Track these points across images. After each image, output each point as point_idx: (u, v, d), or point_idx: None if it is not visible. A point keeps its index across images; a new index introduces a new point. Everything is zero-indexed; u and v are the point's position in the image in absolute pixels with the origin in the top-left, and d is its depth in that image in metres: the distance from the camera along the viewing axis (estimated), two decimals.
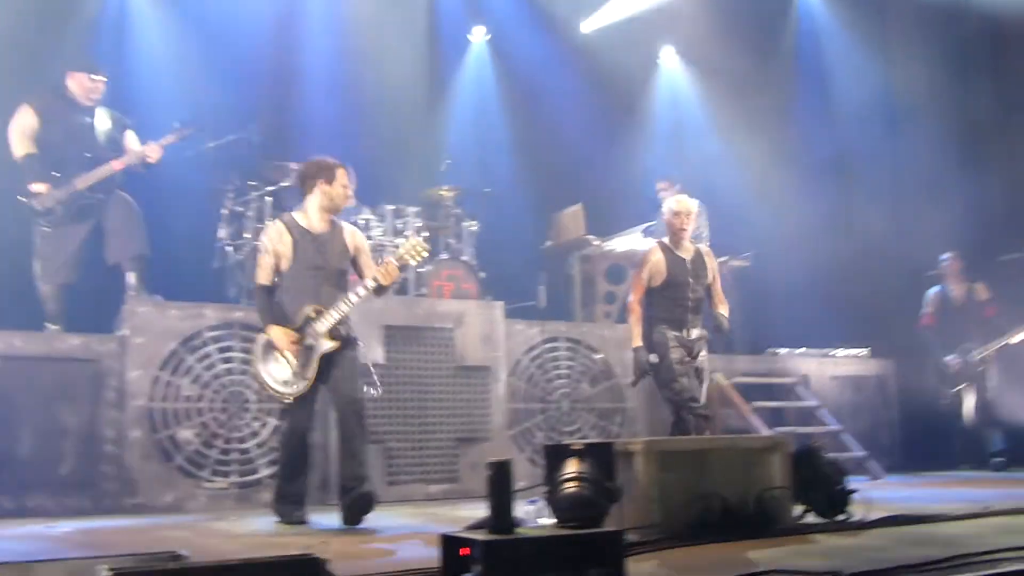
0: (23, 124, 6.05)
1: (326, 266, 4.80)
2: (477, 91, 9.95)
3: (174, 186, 7.28)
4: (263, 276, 4.82)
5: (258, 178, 7.20)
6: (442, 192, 7.73)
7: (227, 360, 5.91)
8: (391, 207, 7.31)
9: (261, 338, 4.78)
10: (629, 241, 8.05)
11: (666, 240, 5.95)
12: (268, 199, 7.00)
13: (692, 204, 5.93)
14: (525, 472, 6.53)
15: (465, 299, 6.99)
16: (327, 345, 4.68)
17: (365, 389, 5.03)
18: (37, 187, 5.94)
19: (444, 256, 7.44)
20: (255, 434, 5.89)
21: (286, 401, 4.73)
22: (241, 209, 7.09)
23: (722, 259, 8.74)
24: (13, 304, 6.19)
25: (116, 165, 6.17)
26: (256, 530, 4.52)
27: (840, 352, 8.36)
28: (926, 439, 8.14)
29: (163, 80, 7.87)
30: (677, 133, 10.39)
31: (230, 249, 7.07)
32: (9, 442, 5.31)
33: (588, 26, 10.11)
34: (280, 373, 4.70)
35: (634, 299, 5.87)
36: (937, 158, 8.86)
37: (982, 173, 8.55)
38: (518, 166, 9.44)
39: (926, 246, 8.40)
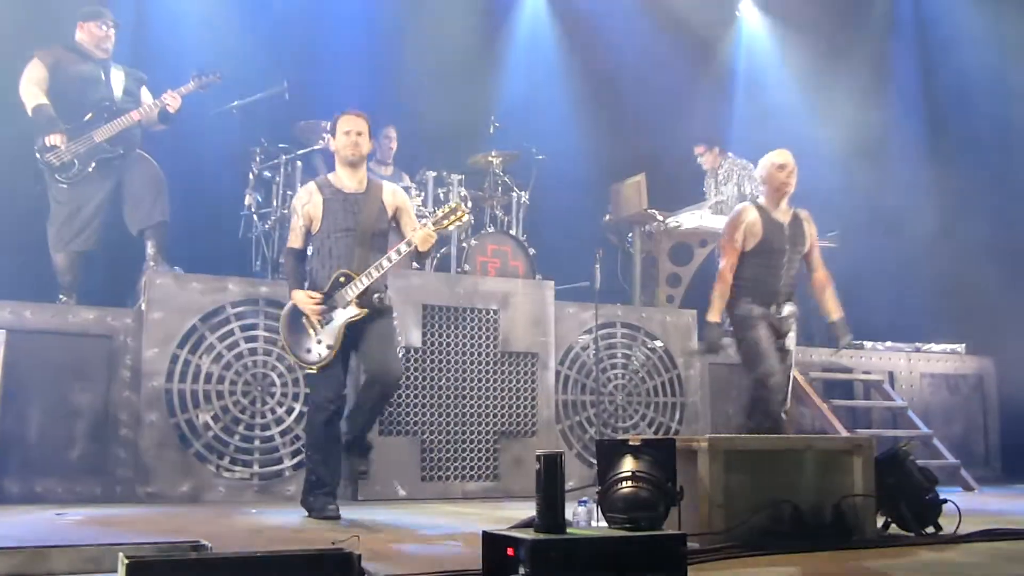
0: (33, 76, 6.21)
1: (358, 228, 4.90)
2: (531, 44, 9.98)
3: (196, 148, 7.44)
4: (293, 239, 5.01)
5: (288, 140, 7.30)
6: (489, 158, 7.75)
7: (251, 339, 6.03)
8: (432, 174, 7.36)
9: (288, 304, 4.94)
10: (696, 217, 8.01)
11: (761, 200, 5.76)
12: (299, 163, 7.09)
13: (791, 158, 5.67)
14: (575, 471, 6.60)
15: (512, 278, 7.03)
16: (353, 312, 4.80)
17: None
18: (52, 138, 6.08)
19: (490, 229, 7.47)
20: (280, 421, 6.01)
21: (309, 371, 4.87)
22: (269, 174, 7.20)
23: None
24: (25, 273, 6.39)
25: (135, 115, 6.32)
26: (282, 523, 4.63)
27: (933, 347, 8.26)
28: None
29: (184, 34, 8.03)
30: (756, 96, 10.29)
31: (256, 218, 7.19)
32: (17, 422, 5.48)
33: None
34: (304, 341, 4.85)
35: (725, 265, 5.64)
36: None
37: None
38: (574, 130, 9.45)
39: None
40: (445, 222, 4.91)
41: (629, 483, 3.56)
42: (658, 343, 7.16)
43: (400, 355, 5.37)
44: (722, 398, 7.39)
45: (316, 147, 7.23)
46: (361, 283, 4.80)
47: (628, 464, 3.63)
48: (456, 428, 6.40)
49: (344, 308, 4.81)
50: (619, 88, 9.75)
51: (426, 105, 8.69)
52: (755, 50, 10.64)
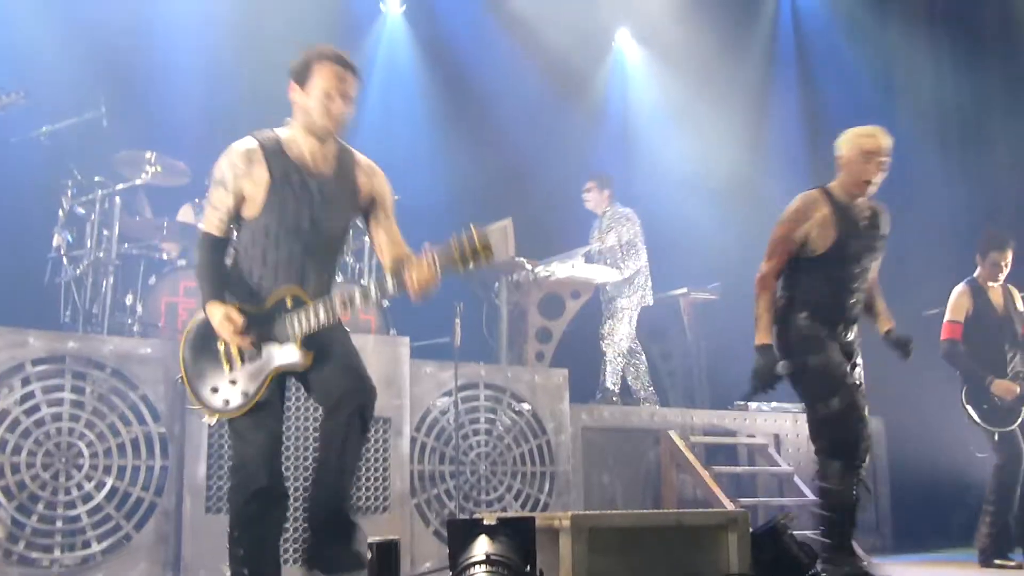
0: None
1: (314, 229, 3.90)
2: (387, 74, 10.01)
3: None
4: (212, 221, 3.91)
5: (106, 173, 7.12)
6: None
7: (55, 403, 5.79)
8: None
9: (198, 316, 3.96)
10: (568, 267, 8.14)
11: (834, 188, 4.99)
12: (118, 199, 6.91)
13: (886, 137, 4.96)
14: (432, 550, 6.54)
15: (363, 333, 6.97)
16: (294, 358, 3.82)
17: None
18: None
19: (339, 278, 7.39)
20: (88, 498, 5.76)
21: (208, 421, 3.94)
22: (83, 211, 7.01)
23: (680, 291, 8.99)
24: None
25: None
26: None
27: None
28: (924, 513, 8.35)
29: None
30: (631, 134, 10.59)
31: (66, 261, 6.97)
32: None
33: None
34: (211, 375, 3.86)
35: (769, 269, 4.92)
36: (932, 165, 9.21)
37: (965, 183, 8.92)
38: (435, 169, 9.50)
39: (929, 278, 8.67)
40: (463, 263, 3.73)
41: (483, 568, 3.55)
42: (526, 406, 7.20)
43: None
44: (597, 466, 7.46)
45: (138, 181, 7.07)
46: (316, 316, 3.79)
47: (482, 546, 3.62)
48: (298, 504, 6.26)
49: (282, 345, 3.83)
50: (485, 125, 9.89)
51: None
52: (632, 85, 10.98)
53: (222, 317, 3.76)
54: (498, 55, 10.11)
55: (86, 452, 5.80)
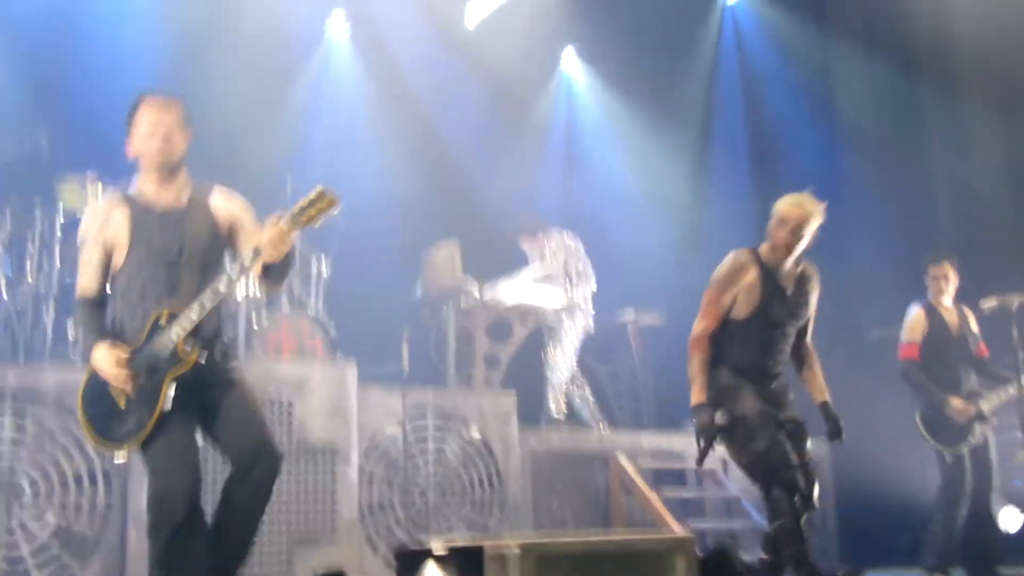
0: None
1: (182, 257, 4.03)
2: (331, 96, 10.05)
3: None
4: (87, 281, 4.08)
5: (47, 202, 7.06)
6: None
7: None
8: None
9: (86, 371, 4.03)
10: (517, 289, 8.19)
11: (764, 250, 5.13)
12: (60, 224, 6.86)
13: (813, 211, 5.05)
14: None
15: (309, 359, 6.98)
16: (177, 361, 3.87)
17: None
18: None
19: (284, 306, 7.42)
20: (31, 538, 5.70)
21: (117, 459, 4.04)
22: (22, 241, 6.93)
23: (627, 315, 9.10)
24: None
25: None
26: None
27: None
28: (870, 533, 8.48)
29: None
30: (576, 154, 10.72)
31: (5, 294, 6.90)
32: None
33: (473, 19, 10.33)
34: (114, 419, 3.91)
35: (701, 331, 5.05)
36: (885, 187, 9.40)
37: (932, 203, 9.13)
38: (382, 193, 9.53)
39: (872, 298, 8.85)
40: (304, 215, 3.83)
41: None
42: (475, 431, 7.24)
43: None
44: (548, 491, 7.52)
45: (80, 209, 7.03)
46: (188, 320, 3.87)
47: (430, 574, 3.67)
48: None
49: (168, 358, 3.88)
50: (431, 146, 9.96)
51: (211, 162, 8.57)
52: (577, 105, 11.13)
53: (103, 353, 3.87)
54: (443, 76, 10.18)
55: (28, 490, 5.73)
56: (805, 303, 5.17)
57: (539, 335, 8.46)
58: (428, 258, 8.34)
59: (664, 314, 8.73)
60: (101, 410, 3.94)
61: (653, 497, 7.37)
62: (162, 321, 3.92)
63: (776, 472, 4.87)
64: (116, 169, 7.11)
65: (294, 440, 6.48)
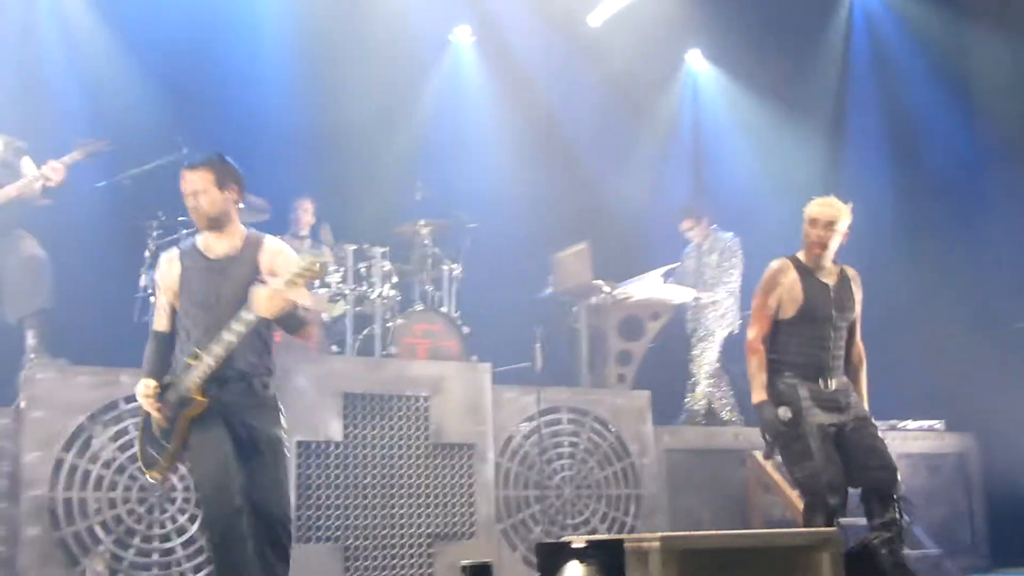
0: None
1: (220, 301, 4.39)
2: (459, 104, 10.13)
3: (84, 225, 7.41)
4: (156, 320, 4.67)
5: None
6: (416, 228, 7.82)
7: None
8: (352, 247, 7.40)
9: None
10: (647, 287, 8.13)
11: (800, 256, 5.34)
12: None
13: (841, 209, 5.25)
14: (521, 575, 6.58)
15: (444, 360, 7.05)
16: (187, 404, 4.31)
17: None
18: None
19: (418, 307, 7.51)
20: (181, 531, 5.90)
21: (151, 478, 4.67)
22: (169, 245, 7.14)
23: None
24: None
25: (11, 191, 6.28)
26: None
27: (909, 424, 8.40)
28: (1020, 532, 8.15)
29: (70, 95, 8.04)
30: (704, 152, 10.58)
31: (153, 301, 7.12)
32: None
33: (596, 18, 10.26)
34: (150, 442, 4.52)
35: (754, 335, 5.27)
36: (1016, 173, 9.03)
37: None
38: (510, 196, 9.57)
39: (1013, 290, 8.52)
40: (296, 280, 4.15)
41: None
42: (609, 429, 7.21)
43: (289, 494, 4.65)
44: (684, 488, 7.43)
45: None
46: (207, 364, 4.27)
47: (572, 570, 3.65)
48: (384, 532, 6.35)
49: (187, 398, 4.33)
50: (558, 147, 9.95)
51: (345, 170, 8.77)
52: (702, 104, 10.98)
53: (139, 384, 4.43)
54: (569, 79, 10.19)
55: (179, 486, 5.94)
56: (850, 297, 5.33)
57: (673, 331, 8.37)
58: (558, 257, 8.34)
59: None
60: (147, 437, 4.51)
61: (793, 495, 7.20)
62: (192, 361, 4.33)
63: (820, 493, 5.04)
64: (252, 180, 7.37)
65: (430, 438, 6.56)
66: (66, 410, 5.79)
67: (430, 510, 6.49)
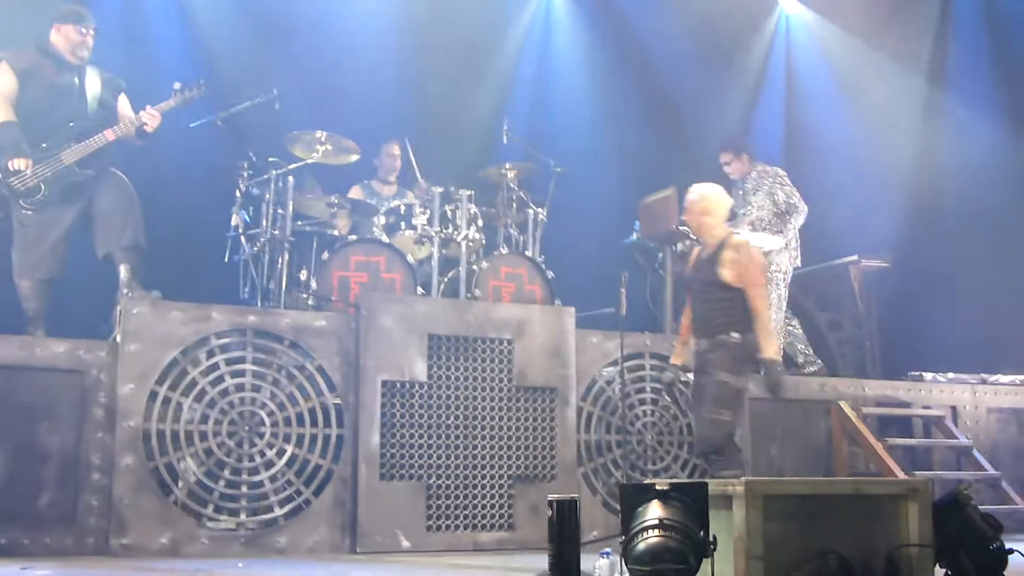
0: (2, 86, 6.23)
1: None
2: (547, 46, 10.04)
3: (176, 164, 7.54)
4: None
5: (280, 154, 7.35)
6: (503, 171, 7.79)
7: (238, 374, 6.06)
8: (439, 189, 7.39)
9: None
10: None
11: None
12: (291, 179, 7.14)
13: (692, 194, 6.28)
14: (599, 519, 6.59)
15: (528, 304, 7.04)
16: None
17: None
18: (17, 163, 6.12)
19: (503, 250, 7.50)
20: (269, 464, 6.02)
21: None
22: (258, 191, 7.24)
23: (850, 258, 8.73)
24: None
25: (109, 135, 6.35)
26: None
27: (1001, 378, 8.20)
28: None
29: (165, 35, 8.13)
30: (796, 96, 10.35)
31: (244, 239, 7.24)
32: None
33: None
34: None
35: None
36: None
37: None
38: (597, 140, 9.49)
39: None
40: None
41: (656, 532, 3.56)
42: (692, 375, 7.14)
43: None
44: (764, 437, 7.35)
45: (310, 160, 7.30)
46: None
47: (655, 511, 3.63)
48: (466, 472, 6.39)
49: None
50: (647, 92, 9.82)
51: (431, 112, 8.75)
52: (795, 44, 10.73)
53: None
54: (659, 21, 10.01)
55: (267, 421, 6.05)
56: (715, 262, 6.02)
57: None
58: (645, 205, 8.24)
59: (890, 258, 8.33)
60: None
61: (879, 446, 7.10)
62: None
63: None
64: (342, 123, 7.41)
65: (513, 380, 6.57)
66: (160, 344, 5.92)
67: (512, 451, 6.51)
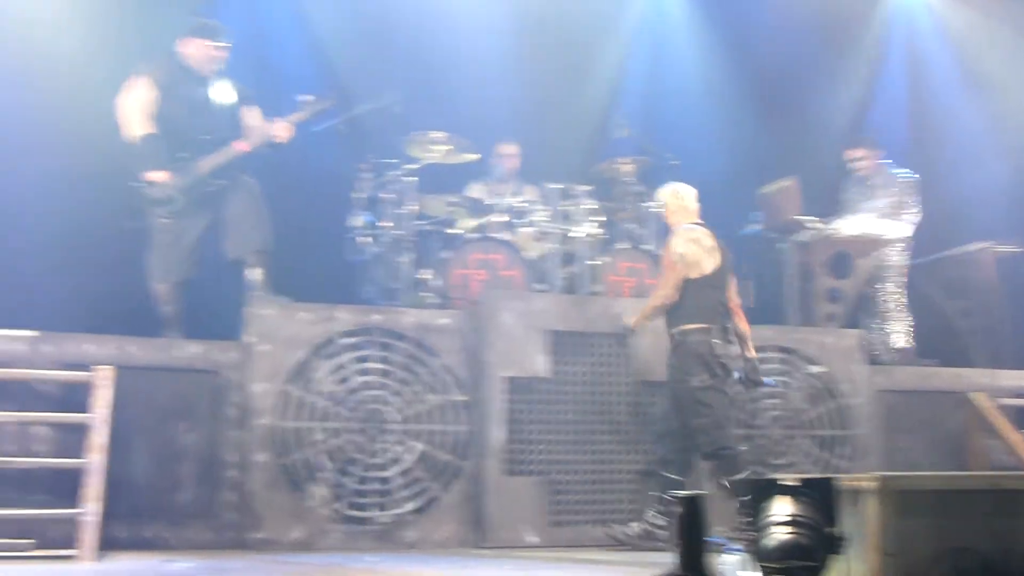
0: (139, 98, 6.42)
1: None
2: (660, 39, 9.96)
3: (300, 168, 7.70)
4: None
5: (399, 155, 7.46)
6: (619, 166, 7.77)
7: (364, 372, 6.18)
8: (557, 186, 7.41)
9: None
10: (859, 223, 7.85)
11: None
12: (411, 179, 7.24)
13: (663, 194, 6.42)
14: (723, 514, 6.50)
15: (648, 296, 7.00)
16: None
17: None
18: (156, 174, 6.35)
19: (622, 245, 7.47)
20: (397, 461, 6.12)
21: None
22: (379, 192, 7.36)
23: (981, 245, 8.45)
24: (128, 306, 6.70)
25: (241, 146, 6.53)
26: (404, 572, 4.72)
27: None
28: None
29: (284, 42, 8.35)
30: (917, 85, 10.06)
31: (365, 240, 7.36)
32: (124, 463, 5.71)
33: None
34: None
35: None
36: None
37: None
38: (713, 131, 9.39)
39: None
40: None
41: (785, 528, 3.51)
42: (818, 368, 7.02)
43: None
44: (896, 430, 7.18)
45: (430, 160, 7.39)
46: None
47: (783, 507, 3.57)
48: (591, 467, 6.40)
49: None
50: (762, 80, 9.64)
51: (546, 109, 8.77)
52: (914, 26, 10.42)
53: None
54: (773, 7, 9.84)
55: (394, 418, 6.15)
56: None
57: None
58: (765, 195, 8.13)
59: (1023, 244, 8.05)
60: None
61: (1017, 438, 6.86)
62: None
63: None
64: (458, 125, 7.48)
65: (636, 374, 6.55)
66: (288, 344, 6.07)
67: (636, 446, 6.49)
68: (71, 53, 7.37)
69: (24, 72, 7.32)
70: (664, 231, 7.62)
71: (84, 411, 5.49)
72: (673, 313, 5.99)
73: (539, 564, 5.10)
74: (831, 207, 8.06)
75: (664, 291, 6.04)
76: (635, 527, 5.99)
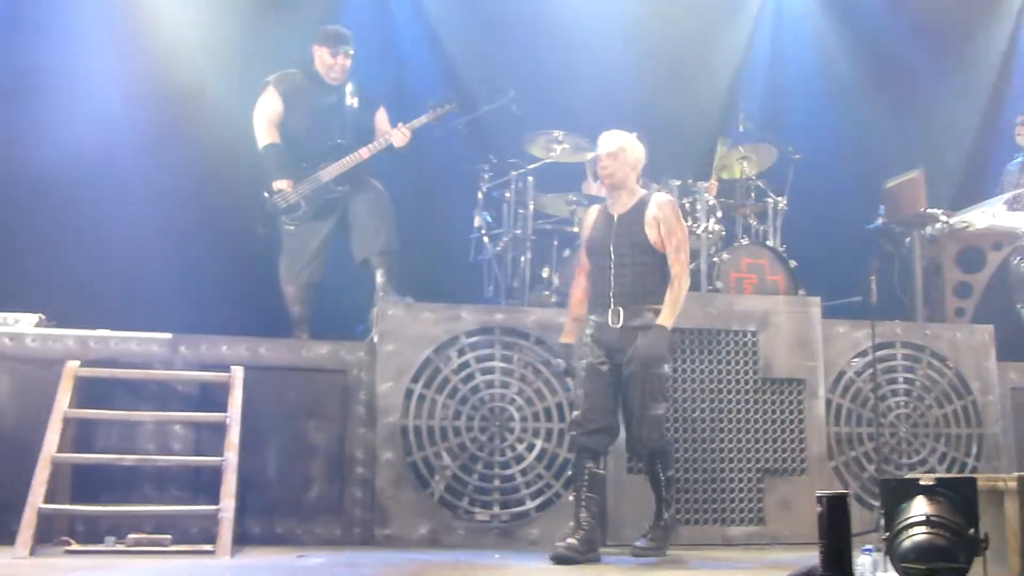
0: (267, 108, 6.64)
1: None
2: (776, 29, 9.82)
3: (422, 170, 7.82)
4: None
5: (518, 154, 7.51)
6: (740, 161, 7.67)
7: (487, 371, 6.24)
8: (676, 182, 7.35)
9: None
10: (989, 215, 7.60)
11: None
12: (531, 179, 7.28)
13: (614, 139, 5.51)
14: (852, 514, 6.35)
15: (771, 295, 6.91)
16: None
17: None
18: (280, 183, 6.54)
19: (744, 241, 7.39)
20: (520, 459, 6.17)
21: None
22: (499, 192, 7.42)
23: None
24: (259, 308, 6.91)
25: (364, 153, 6.65)
26: (527, 572, 4.75)
27: None
28: None
29: (407, 43, 8.48)
30: None
31: (487, 240, 7.43)
32: (256, 461, 5.91)
33: None
34: None
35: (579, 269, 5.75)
36: None
37: None
38: (834, 123, 9.22)
39: None
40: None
41: (923, 529, 3.45)
42: (948, 365, 6.84)
43: None
44: None
45: (548, 159, 7.41)
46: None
47: (920, 507, 3.52)
48: (713, 465, 6.35)
49: None
50: (886, 71, 9.42)
51: (664, 105, 8.72)
52: None
53: None
54: None
55: (516, 416, 6.20)
56: (637, 222, 5.40)
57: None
58: (890, 186, 7.94)
59: None
60: None
61: None
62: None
63: (573, 428, 5.48)
64: (575, 123, 7.49)
65: (759, 373, 6.47)
66: (414, 343, 6.17)
67: (760, 445, 6.42)
68: (211, 65, 7.65)
69: (166, 85, 7.64)
70: (788, 227, 7.56)
71: (218, 410, 5.68)
72: (652, 284, 5.38)
73: (662, 562, 5.05)
74: (960, 199, 7.83)
75: (687, 272, 5.45)
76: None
